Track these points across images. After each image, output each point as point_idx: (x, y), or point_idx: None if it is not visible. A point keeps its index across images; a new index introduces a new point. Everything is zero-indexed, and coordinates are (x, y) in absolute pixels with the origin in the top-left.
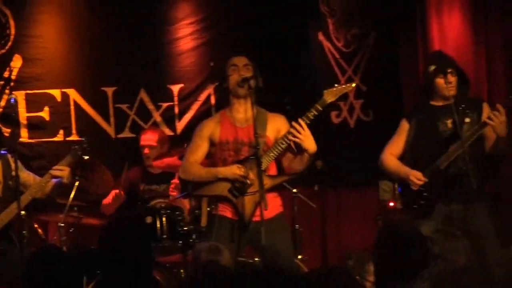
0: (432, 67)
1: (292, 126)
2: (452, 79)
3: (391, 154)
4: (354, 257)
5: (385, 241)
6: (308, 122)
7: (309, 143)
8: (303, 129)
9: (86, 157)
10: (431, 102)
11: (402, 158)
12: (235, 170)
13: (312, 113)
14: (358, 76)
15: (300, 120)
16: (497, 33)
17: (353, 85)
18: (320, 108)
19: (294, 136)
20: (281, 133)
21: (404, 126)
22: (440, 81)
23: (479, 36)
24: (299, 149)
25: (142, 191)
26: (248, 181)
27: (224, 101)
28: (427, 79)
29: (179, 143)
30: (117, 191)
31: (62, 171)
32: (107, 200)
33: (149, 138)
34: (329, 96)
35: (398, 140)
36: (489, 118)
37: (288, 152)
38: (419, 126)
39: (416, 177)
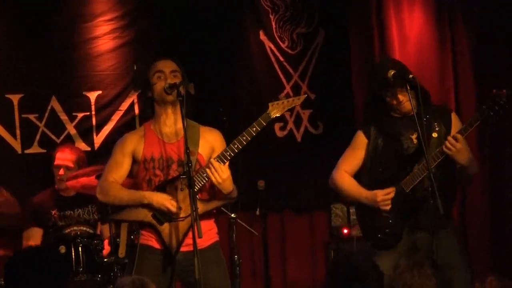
0: (392, 72)
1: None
2: (406, 94)
3: (346, 172)
4: None
5: (337, 274)
6: (249, 139)
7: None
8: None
9: None
10: (390, 113)
11: (357, 177)
12: (165, 203)
13: (254, 129)
14: (305, 82)
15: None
16: (464, 32)
17: (303, 98)
18: (264, 124)
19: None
20: (216, 151)
21: (361, 140)
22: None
23: (444, 35)
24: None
25: (54, 218)
26: (175, 216)
27: (148, 112)
28: (387, 85)
29: (97, 159)
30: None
31: None
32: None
33: (66, 157)
34: (275, 109)
35: (354, 157)
36: (446, 147)
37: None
38: (380, 141)
39: (384, 193)
